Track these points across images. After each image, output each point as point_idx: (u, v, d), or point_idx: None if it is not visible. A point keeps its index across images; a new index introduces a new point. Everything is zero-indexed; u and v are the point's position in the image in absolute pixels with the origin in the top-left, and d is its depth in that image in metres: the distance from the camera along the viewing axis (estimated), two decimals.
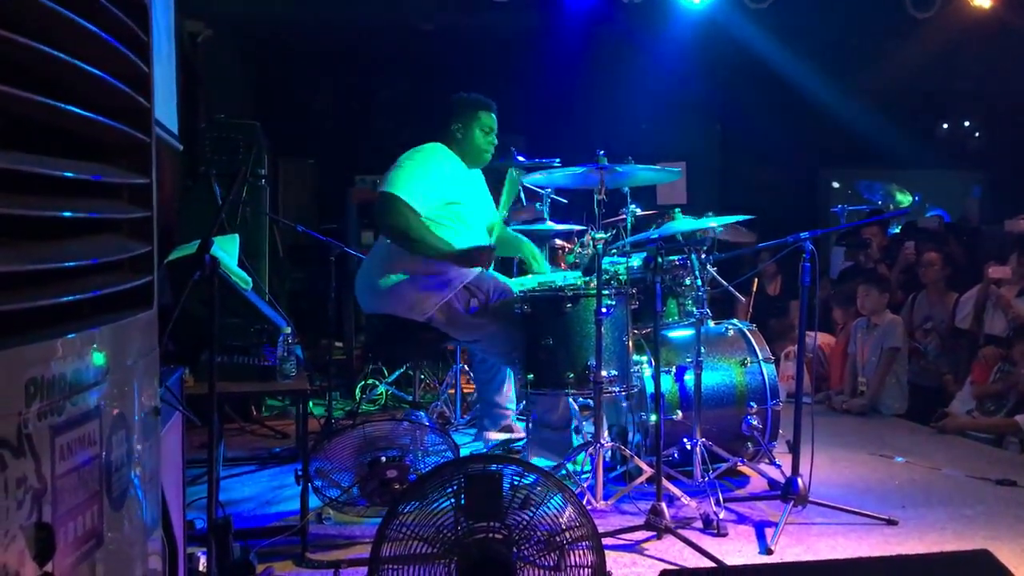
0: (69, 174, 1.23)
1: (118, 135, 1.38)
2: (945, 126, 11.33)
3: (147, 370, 1.49)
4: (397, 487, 3.61)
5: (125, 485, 1.35)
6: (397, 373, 6.54)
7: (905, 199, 10.63)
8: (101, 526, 1.24)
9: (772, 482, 4.16)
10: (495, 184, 5.35)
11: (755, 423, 4.34)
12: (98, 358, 1.25)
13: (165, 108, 4.05)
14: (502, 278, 4.39)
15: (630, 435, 4.42)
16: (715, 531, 3.61)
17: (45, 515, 1.08)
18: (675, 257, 4.40)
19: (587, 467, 4.07)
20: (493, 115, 4.51)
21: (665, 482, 3.71)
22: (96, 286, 1.27)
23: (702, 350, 4.13)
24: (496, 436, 4.65)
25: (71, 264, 1.21)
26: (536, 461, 3.83)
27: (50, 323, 1.16)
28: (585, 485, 3.86)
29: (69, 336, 1.18)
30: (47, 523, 1.07)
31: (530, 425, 4.36)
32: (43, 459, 1.08)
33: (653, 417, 4.10)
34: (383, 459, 3.75)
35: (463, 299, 4.20)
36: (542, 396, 4.27)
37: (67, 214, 1.23)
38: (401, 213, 4.11)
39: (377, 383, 6.46)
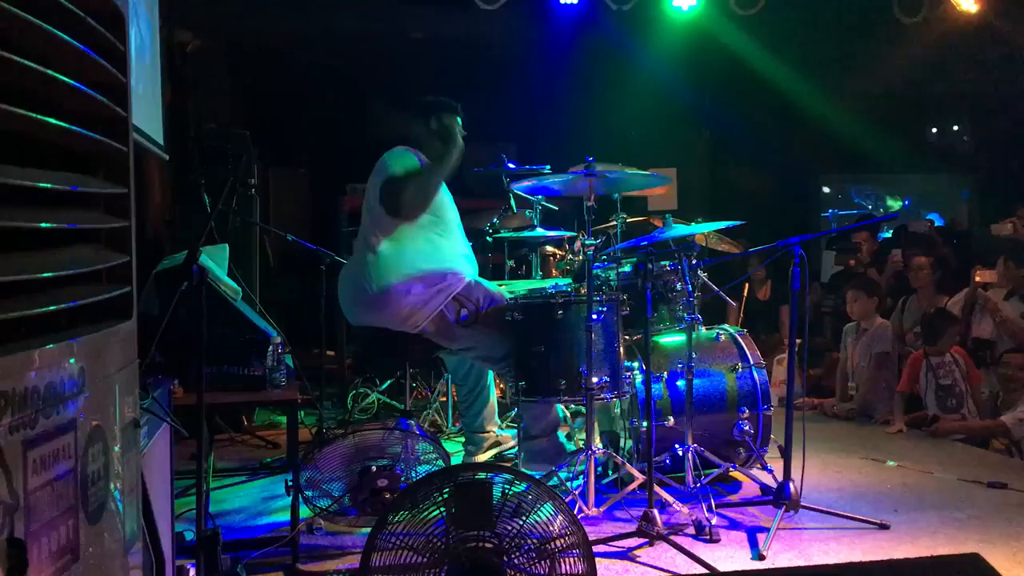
0: (45, 184, 1.22)
1: (95, 145, 1.37)
2: (934, 130, 11.38)
3: (127, 382, 1.48)
4: (388, 496, 3.60)
5: (103, 499, 1.33)
6: (388, 382, 6.52)
7: (895, 204, 10.68)
8: (77, 541, 1.23)
9: (764, 487, 4.16)
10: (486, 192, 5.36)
11: (747, 428, 4.33)
12: (74, 370, 1.24)
13: (150, 119, 4.04)
14: (492, 286, 4.37)
15: (622, 441, 4.41)
16: (707, 537, 3.60)
17: (17, 530, 1.06)
18: (665, 263, 4.39)
19: (578, 472, 4.06)
20: (460, 119, 4.46)
21: (657, 488, 3.70)
22: (73, 297, 1.26)
23: (693, 356, 4.13)
24: (483, 457, 4.63)
25: (47, 275, 1.19)
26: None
27: (24, 335, 1.15)
28: (577, 492, 3.84)
29: (44, 347, 1.16)
30: (19, 539, 1.05)
31: (520, 435, 4.35)
32: (15, 473, 1.06)
33: (645, 423, 4.09)
34: (374, 468, 3.74)
35: (453, 309, 4.18)
36: (527, 413, 4.26)
37: (44, 225, 1.22)
38: (407, 184, 4.16)
39: (368, 392, 6.44)
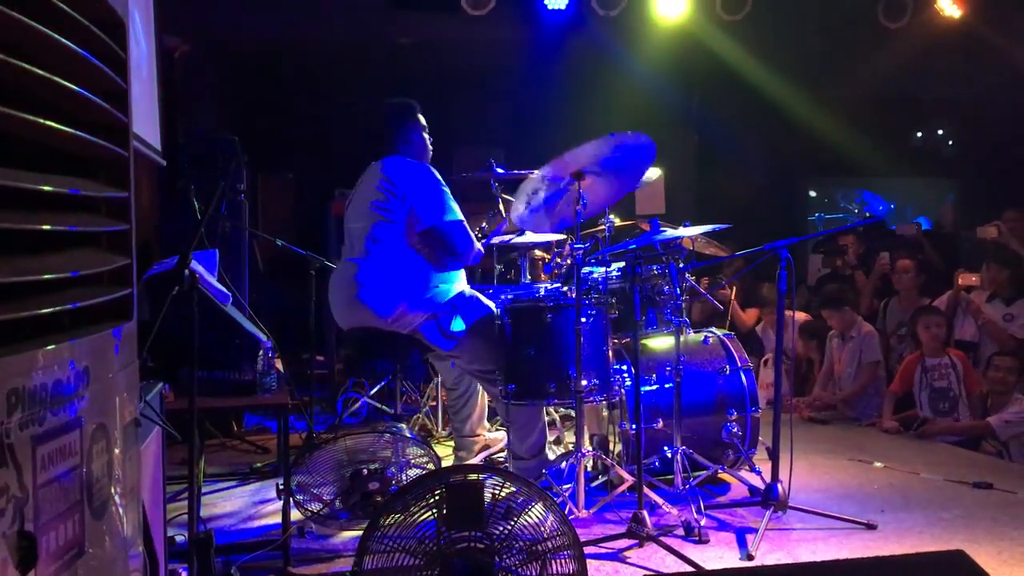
0: (47, 188, 1.24)
1: (96, 149, 1.39)
2: (919, 134, 11.46)
3: (127, 382, 1.50)
4: (379, 499, 3.62)
5: (106, 496, 1.36)
6: (379, 386, 6.53)
7: (879, 207, 10.76)
8: (83, 536, 1.25)
9: (752, 488, 4.19)
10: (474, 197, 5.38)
11: (735, 430, 4.37)
12: (79, 369, 1.26)
13: (147, 124, 4.05)
14: (482, 297, 4.41)
15: (611, 444, 4.44)
16: (696, 538, 3.64)
17: (27, 524, 1.09)
18: (653, 266, 4.43)
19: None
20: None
21: (646, 490, 3.73)
22: (75, 298, 1.28)
23: (681, 358, 4.16)
24: (474, 461, 4.65)
25: (50, 276, 1.22)
26: None
27: (30, 335, 1.17)
28: (567, 494, 3.87)
29: (49, 347, 1.19)
30: (30, 532, 1.08)
31: (507, 453, 4.38)
32: (24, 469, 1.09)
33: (633, 426, 4.12)
34: (364, 472, 3.76)
35: (445, 312, 4.21)
36: (520, 419, 4.28)
37: (46, 227, 1.24)
38: (470, 236, 4.27)
39: (358, 396, 6.45)
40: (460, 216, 4.24)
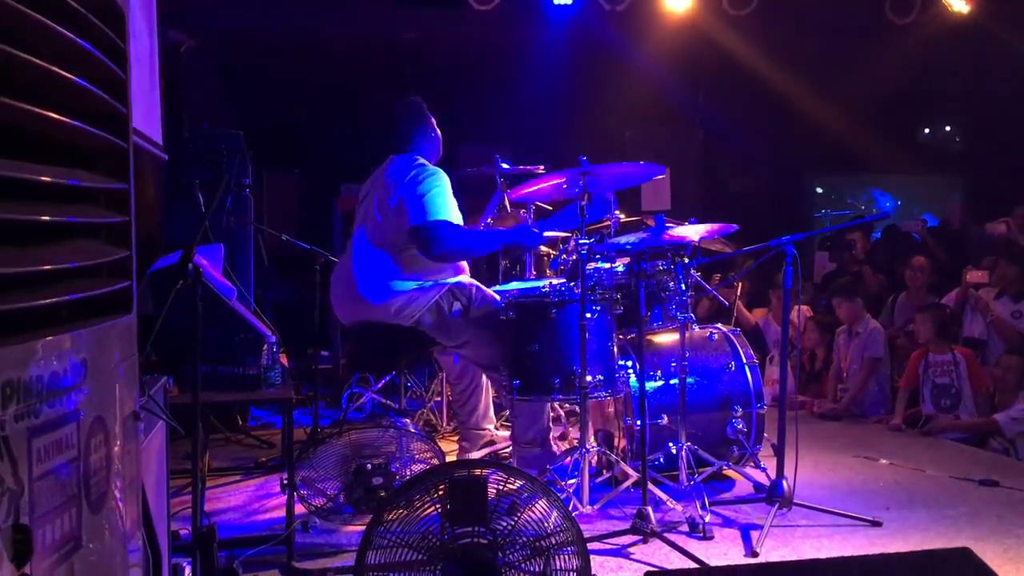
0: (46, 179, 1.23)
1: (95, 140, 1.38)
2: (926, 130, 11.42)
3: (127, 375, 1.49)
4: (383, 494, 3.62)
5: (104, 489, 1.35)
6: (383, 381, 6.53)
7: (887, 204, 10.73)
8: (79, 529, 1.25)
9: (757, 485, 4.18)
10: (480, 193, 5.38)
11: (740, 427, 4.36)
12: (76, 362, 1.25)
13: (149, 119, 4.04)
14: (485, 288, 4.39)
15: (616, 440, 4.43)
16: (701, 534, 3.63)
17: (22, 517, 1.08)
18: (659, 262, 4.41)
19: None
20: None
21: (651, 486, 3.71)
22: (73, 290, 1.28)
23: (687, 354, 4.14)
24: (477, 455, 4.64)
25: (48, 268, 1.21)
26: None
27: (27, 326, 1.16)
28: (571, 490, 3.86)
29: (46, 339, 1.18)
30: (25, 525, 1.07)
31: (512, 441, 4.37)
32: (20, 461, 1.08)
33: (639, 422, 4.11)
34: (369, 467, 3.76)
35: (447, 302, 4.19)
36: (523, 410, 4.26)
37: (45, 218, 1.23)
38: (456, 235, 4.16)
39: (363, 392, 6.45)
40: (449, 217, 4.14)
